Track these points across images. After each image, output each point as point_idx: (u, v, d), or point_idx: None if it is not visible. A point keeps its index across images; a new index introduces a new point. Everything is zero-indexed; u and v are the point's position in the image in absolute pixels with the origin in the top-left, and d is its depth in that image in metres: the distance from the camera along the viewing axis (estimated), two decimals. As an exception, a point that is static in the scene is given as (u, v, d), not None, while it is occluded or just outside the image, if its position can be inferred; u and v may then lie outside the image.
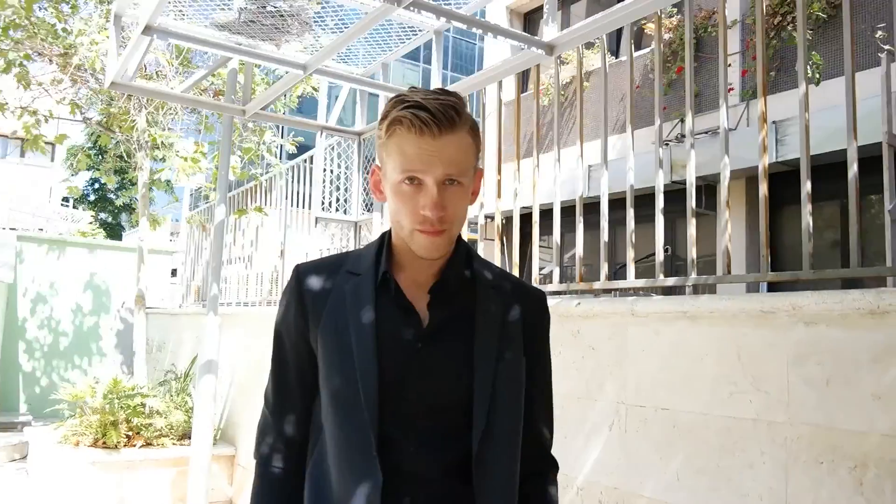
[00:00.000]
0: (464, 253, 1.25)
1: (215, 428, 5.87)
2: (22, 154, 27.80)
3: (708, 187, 7.27)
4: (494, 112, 3.69)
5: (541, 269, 6.96)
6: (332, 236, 5.06)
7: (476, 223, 8.44)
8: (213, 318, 4.49)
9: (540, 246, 3.40)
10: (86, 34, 5.36)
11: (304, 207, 5.69)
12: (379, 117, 1.19)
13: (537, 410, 1.31)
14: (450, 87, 4.09)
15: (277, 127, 6.29)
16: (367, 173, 5.22)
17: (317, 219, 4.87)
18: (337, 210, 5.01)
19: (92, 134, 25.11)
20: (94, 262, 8.83)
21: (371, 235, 4.92)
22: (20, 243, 8.18)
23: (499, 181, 3.75)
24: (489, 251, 7.71)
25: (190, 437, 5.60)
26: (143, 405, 5.50)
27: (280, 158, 6.64)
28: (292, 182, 5.72)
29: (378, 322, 1.17)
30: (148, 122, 5.85)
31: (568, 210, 3.30)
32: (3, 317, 7.38)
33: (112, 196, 28.43)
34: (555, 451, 1.38)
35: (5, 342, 7.48)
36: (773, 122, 6.64)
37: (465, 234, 4.93)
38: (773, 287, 5.37)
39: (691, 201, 2.55)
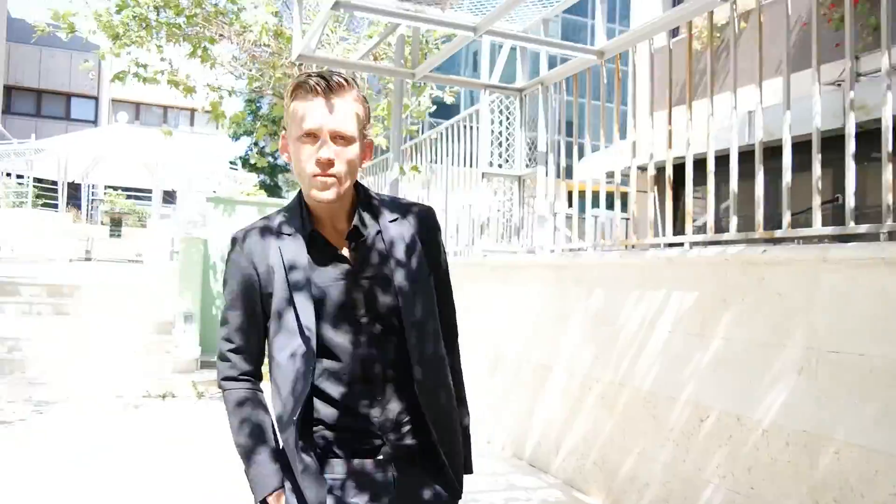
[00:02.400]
0: (364, 197, 1.55)
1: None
2: (191, 123, 30.29)
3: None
4: (645, 62, 3.70)
5: (694, 220, 6.80)
6: (494, 191, 5.26)
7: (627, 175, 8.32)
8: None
9: (694, 197, 3.40)
10: (255, 10, 5.82)
11: (464, 165, 5.93)
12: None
13: (444, 303, 1.64)
14: (611, 42, 4.12)
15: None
16: (528, 129, 5.40)
17: (483, 174, 5.09)
18: (500, 166, 5.19)
19: (251, 101, 26.89)
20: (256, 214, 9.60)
21: (534, 189, 5.08)
22: (208, 204, 9.09)
23: (663, 130, 3.77)
24: (642, 203, 7.63)
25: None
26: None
27: (425, 115, 6.93)
28: (450, 140, 5.97)
29: (313, 269, 1.49)
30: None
31: (721, 159, 3.29)
32: (201, 269, 8.30)
33: (270, 159, 30.54)
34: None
35: (204, 293, 8.41)
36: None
37: (617, 188, 4.95)
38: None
39: (887, 145, 2.49)
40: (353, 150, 1.46)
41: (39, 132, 21.17)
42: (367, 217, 1.54)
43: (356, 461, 1.49)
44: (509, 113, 5.24)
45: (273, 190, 28.57)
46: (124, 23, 5.41)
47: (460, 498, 1.60)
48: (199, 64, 6.03)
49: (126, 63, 5.82)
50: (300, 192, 1.55)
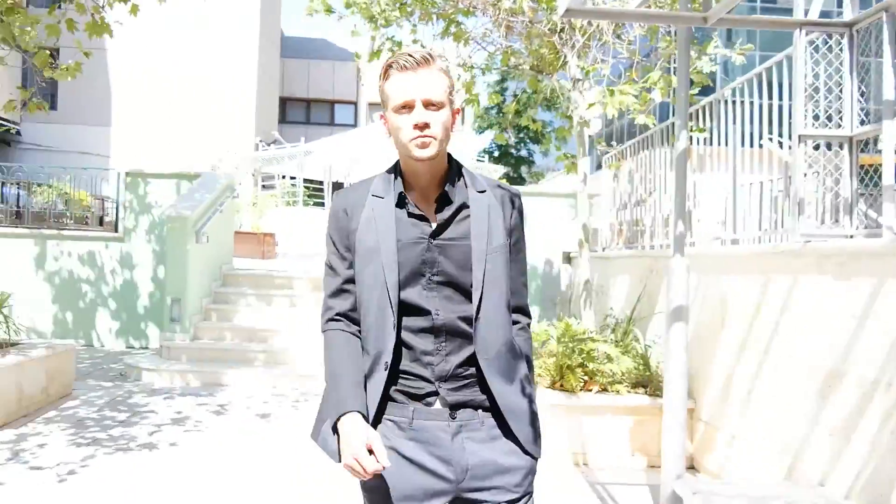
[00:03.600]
0: (456, 168, 1.76)
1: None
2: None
3: None
4: None
5: None
6: (809, 159, 4.11)
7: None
8: (680, 259, 3.97)
9: None
10: None
11: (758, 136, 4.82)
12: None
13: (517, 279, 1.81)
14: None
15: (724, 33, 5.39)
16: (860, 77, 4.17)
17: (800, 137, 3.99)
18: (822, 125, 4.04)
19: (495, 93, 26.95)
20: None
21: (873, 152, 3.88)
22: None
23: None
24: None
25: (645, 386, 5.31)
26: (595, 350, 5.34)
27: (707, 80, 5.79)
28: (738, 106, 4.88)
29: (397, 228, 1.68)
30: (579, 55, 5.55)
31: None
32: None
33: (513, 151, 30.54)
34: None
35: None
36: None
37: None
38: None
39: None
40: (445, 114, 1.65)
41: (308, 137, 23.14)
42: (457, 186, 1.72)
43: (415, 406, 1.64)
44: (833, 58, 4.06)
45: (517, 182, 28.51)
46: (379, 1, 5.15)
47: (535, 460, 1.70)
48: (452, 42, 5.62)
49: (381, 44, 5.59)
50: (397, 161, 1.74)
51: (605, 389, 5.22)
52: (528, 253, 1.85)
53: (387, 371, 1.61)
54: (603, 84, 5.18)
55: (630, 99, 4.85)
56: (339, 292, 1.73)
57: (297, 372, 7.03)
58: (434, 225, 1.67)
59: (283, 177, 20.63)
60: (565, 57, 5.39)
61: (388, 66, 1.66)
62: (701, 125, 5.55)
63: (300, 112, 31.04)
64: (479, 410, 1.65)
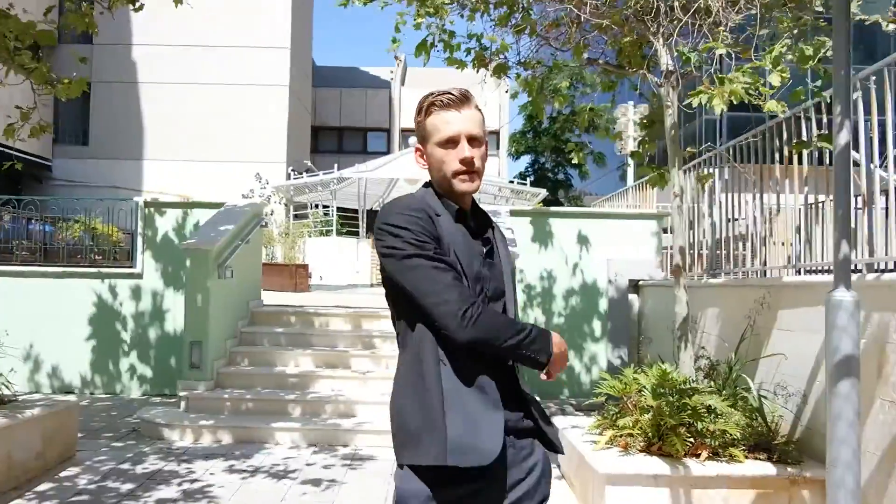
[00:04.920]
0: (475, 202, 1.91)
1: (791, 439, 4.41)
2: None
3: None
4: None
5: None
6: None
7: None
8: (845, 293, 2.96)
9: None
10: None
11: None
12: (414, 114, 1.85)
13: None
14: None
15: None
16: None
17: None
18: None
19: (528, 118, 26.03)
20: (580, 231, 8.22)
21: None
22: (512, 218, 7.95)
23: None
24: None
25: (768, 450, 4.25)
26: (700, 405, 4.29)
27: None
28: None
29: (466, 244, 1.77)
30: (670, 40, 4.57)
31: None
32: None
33: (550, 175, 29.49)
34: None
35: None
36: None
37: None
38: None
39: None
40: (484, 150, 1.78)
41: (341, 165, 22.54)
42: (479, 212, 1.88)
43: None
44: None
45: (555, 205, 27.43)
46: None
47: (561, 453, 1.84)
48: (513, 34, 4.70)
49: (429, 32, 4.69)
50: (427, 187, 1.83)
51: (715, 454, 4.17)
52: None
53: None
54: (704, 73, 4.17)
55: (742, 88, 3.82)
56: (459, 282, 1.69)
57: (341, 425, 6.06)
58: (485, 242, 1.83)
59: (316, 206, 19.91)
60: (654, 48, 4.41)
61: (430, 104, 1.75)
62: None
63: (332, 141, 30.56)
64: (525, 439, 1.78)
